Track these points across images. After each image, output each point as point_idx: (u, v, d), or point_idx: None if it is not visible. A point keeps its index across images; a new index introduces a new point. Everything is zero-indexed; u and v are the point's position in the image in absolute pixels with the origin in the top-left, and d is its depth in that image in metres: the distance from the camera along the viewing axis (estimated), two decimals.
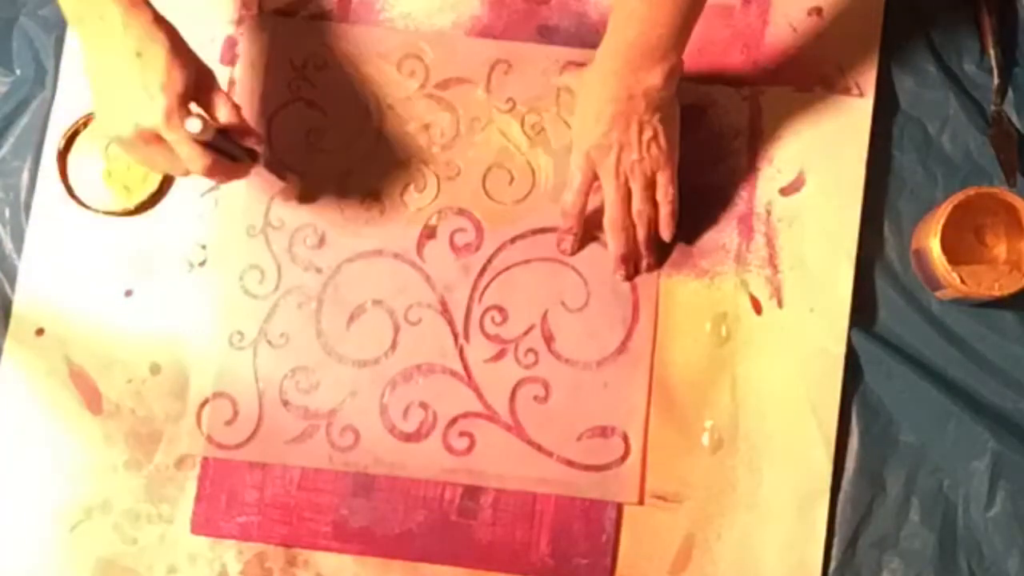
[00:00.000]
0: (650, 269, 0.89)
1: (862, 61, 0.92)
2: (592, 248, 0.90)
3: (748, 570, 0.87)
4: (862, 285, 0.90)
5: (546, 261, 0.90)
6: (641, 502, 0.88)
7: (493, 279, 0.90)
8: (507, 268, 0.90)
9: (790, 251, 0.90)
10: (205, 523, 0.88)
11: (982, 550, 0.87)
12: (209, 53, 0.92)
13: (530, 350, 0.89)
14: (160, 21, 0.77)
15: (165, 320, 0.90)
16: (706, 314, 0.90)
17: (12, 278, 0.91)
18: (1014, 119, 0.92)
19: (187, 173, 0.80)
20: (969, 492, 0.87)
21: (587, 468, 0.88)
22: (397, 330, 0.89)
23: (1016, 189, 0.90)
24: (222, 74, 0.92)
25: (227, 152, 0.81)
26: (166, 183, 0.92)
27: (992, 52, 0.92)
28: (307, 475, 0.88)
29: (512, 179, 0.91)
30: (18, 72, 0.94)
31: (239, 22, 0.93)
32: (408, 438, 0.89)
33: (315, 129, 0.92)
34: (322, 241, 0.91)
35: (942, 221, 0.85)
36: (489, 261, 0.90)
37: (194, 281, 0.91)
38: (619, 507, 0.88)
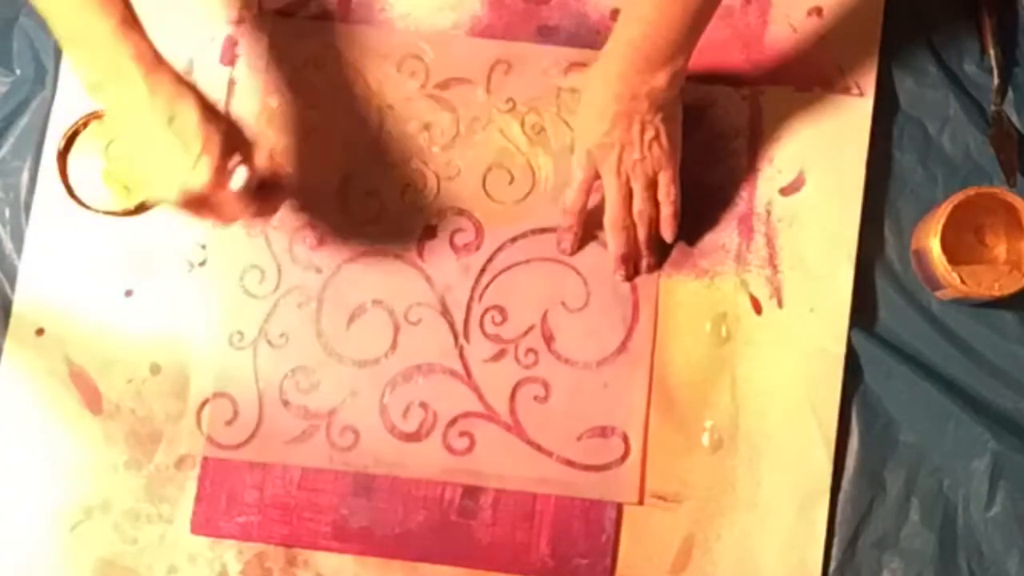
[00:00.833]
0: (650, 270, 0.89)
1: (862, 61, 0.92)
2: (592, 248, 0.90)
3: (748, 570, 0.87)
4: (862, 285, 0.90)
5: (546, 261, 0.90)
6: (641, 502, 0.88)
7: (493, 279, 0.90)
8: (507, 268, 0.90)
9: (790, 251, 0.90)
10: (205, 523, 0.88)
11: (982, 550, 0.87)
12: (209, 53, 0.93)
13: (530, 350, 0.89)
14: (182, 81, 0.75)
15: (165, 320, 0.90)
16: (706, 314, 0.89)
17: (12, 278, 0.91)
18: (1014, 119, 0.92)
19: (234, 221, 0.79)
20: (969, 492, 0.87)
21: (587, 468, 0.88)
22: (397, 330, 0.90)
23: (1016, 189, 0.90)
24: (222, 74, 0.93)
25: (263, 190, 0.80)
26: None
27: (992, 52, 0.92)
28: (307, 475, 0.88)
29: (512, 179, 0.91)
30: (18, 72, 0.94)
31: (239, 22, 0.93)
32: (408, 438, 0.89)
33: (315, 129, 0.92)
34: (322, 241, 0.91)
35: (942, 221, 0.85)
36: (489, 261, 0.90)
37: (194, 281, 0.91)
38: (619, 507, 0.88)
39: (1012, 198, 0.85)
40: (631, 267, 0.89)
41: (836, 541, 0.87)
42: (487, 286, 0.90)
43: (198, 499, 0.88)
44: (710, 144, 0.91)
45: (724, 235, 0.91)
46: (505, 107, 0.92)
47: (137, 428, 0.89)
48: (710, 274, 0.90)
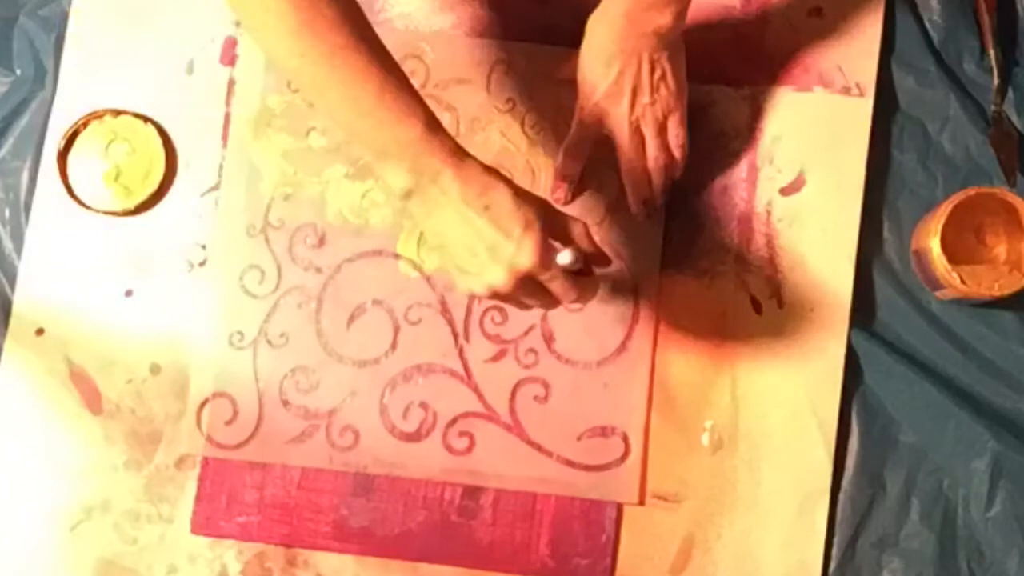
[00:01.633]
0: (664, 208, 0.90)
1: (862, 61, 0.92)
2: None
3: (748, 570, 0.87)
4: (862, 285, 0.90)
5: None
6: (641, 502, 0.88)
7: None
8: None
9: (790, 251, 0.90)
10: (205, 523, 0.88)
11: (982, 550, 0.87)
12: (209, 53, 0.93)
13: (530, 350, 0.89)
14: (489, 170, 0.74)
15: (165, 320, 0.90)
16: (706, 314, 0.89)
17: (12, 278, 0.91)
18: (1014, 119, 0.92)
19: (556, 306, 0.77)
20: (969, 492, 0.87)
21: (587, 468, 0.88)
22: (397, 330, 0.90)
23: (1016, 189, 0.90)
24: (222, 74, 0.93)
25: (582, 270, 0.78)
26: (166, 183, 0.92)
27: (992, 52, 0.92)
28: (307, 475, 0.88)
29: (512, 179, 0.91)
30: (18, 72, 0.94)
31: (239, 22, 0.93)
32: (408, 438, 0.89)
33: (315, 129, 0.92)
34: (322, 241, 0.91)
35: (942, 221, 0.85)
36: None
37: (194, 281, 0.91)
38: (619, 507, 0.88)
39: (1012, 198, 0.85)
40: (651, 207, 0.89)
41: (836, 541, 0.87)
42: None
43: (198, 499, 0.88)
44: (710, 144, 0.91)
45: (724, 235, 0.91)
46: (505, 107, 0.92)
47: (137, 428, 0.89)
48: (710, 274, 0.90)
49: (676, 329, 0.89)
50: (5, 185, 0.93)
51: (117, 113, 0.92)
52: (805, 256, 0.90)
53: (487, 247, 0.72)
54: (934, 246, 0.85)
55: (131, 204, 0.91)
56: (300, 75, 0.73)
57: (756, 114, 0.92)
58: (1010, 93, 0.92)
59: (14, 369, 0.90)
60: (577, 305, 0.83)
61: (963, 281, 0.85)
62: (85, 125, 0.92)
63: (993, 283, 0.86)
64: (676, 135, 0.86)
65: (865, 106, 0.91)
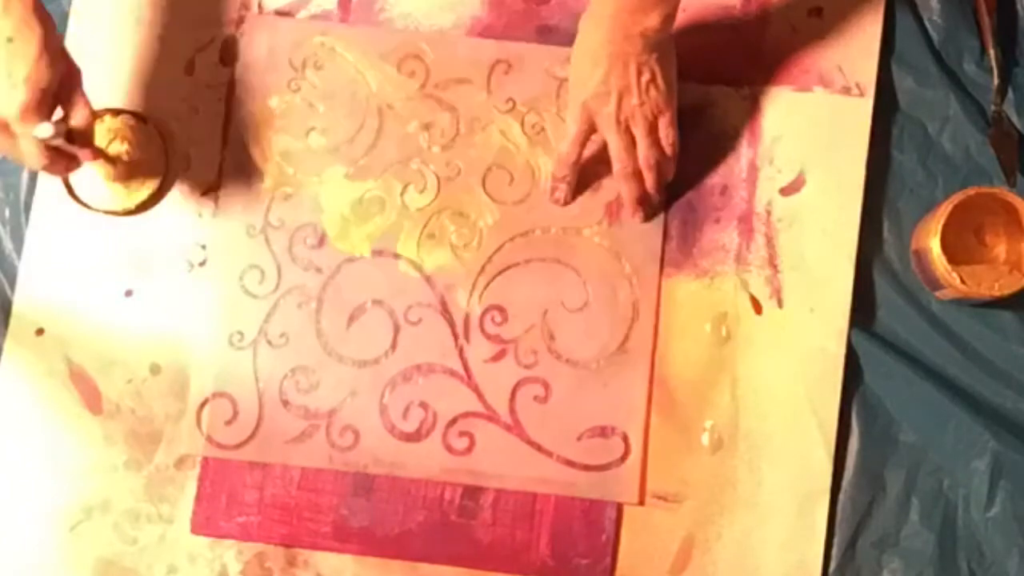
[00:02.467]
0: (660, 207, 0.89)
1: (862, 61, 0.92)
2: (592, 248, 0.90)
3: (748, 570, 0.87)
4: (862, 285, 0.90)
5: (546, 261, 0.90)
6: (641, 502, 0.88)
7: (493, 279, 0.90)
8: (507, 268, 0.90)
9: (790, 251, 0.90)
10: (205, 523, 0.88)
11: (982, 550, 0.87)
12: (209, 53, 0.93)
13: (530, 350, 0.89)
14: (39, 11, 0.75)
15: (165, 320, 0.90)
16: (706, 314, 0.89)
17: (12, 278, 0.91)
18: (1014, 119, 0.92)
19: (22, 161, 0.79)
20: (969, 492, 0.87)
21: (587, 468, 0.88)
22: (397, 330, 0.90)
23: (1016, 189, 0.90)
24: (222, 74, 0.93)
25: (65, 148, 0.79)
26: (166, 183, 0.92)
27: (992, 52, 0.92)
28: (307, 475, 0.88)
29: (512, 179, 0.91)
30: None
31: (239, 22, 0.93)
32: (408, 438, 0.89)
33: (315, 129, 0.92)
34: (322, 241, 0.91)
35: (942, 221, 0.85)
36: (489, 261, 0.90)
37: (194, 281, 0.91)
38: (619, 507, 0.88)
39: (1012, 198, 0.85)
40: (647, 208, 0.89)
41: (836, 541, 0.87)
42: (487, 286, 0.90)
43: (198, 499, 0.88)
44: (710, 144, 0.91)
45: (724, 235, 0.91)
46: (505, 107, 0.92)
47: (137, 428, 0.89)
48: (710, 274, 0.90)
49: (676, 329, 0.89)
50: (5, 185, 0.93)
51: (117, 113, 0.92)
52: (805, 256, 0.90)
53: None
54: (934, 246, 0.85)
55: (131, 204, 0.91)
56: None
57: (756, 114, 0.92)
58: (1010, 93, 0.92)
59: (14, 369, 0.90)
60: (59, 176, 0.85)
61: (963, 281, 0.85)
62: None
63: (993, 283, 0.86)
64: (667, 135, 0.87)
65: (865, 106, 0.91)
